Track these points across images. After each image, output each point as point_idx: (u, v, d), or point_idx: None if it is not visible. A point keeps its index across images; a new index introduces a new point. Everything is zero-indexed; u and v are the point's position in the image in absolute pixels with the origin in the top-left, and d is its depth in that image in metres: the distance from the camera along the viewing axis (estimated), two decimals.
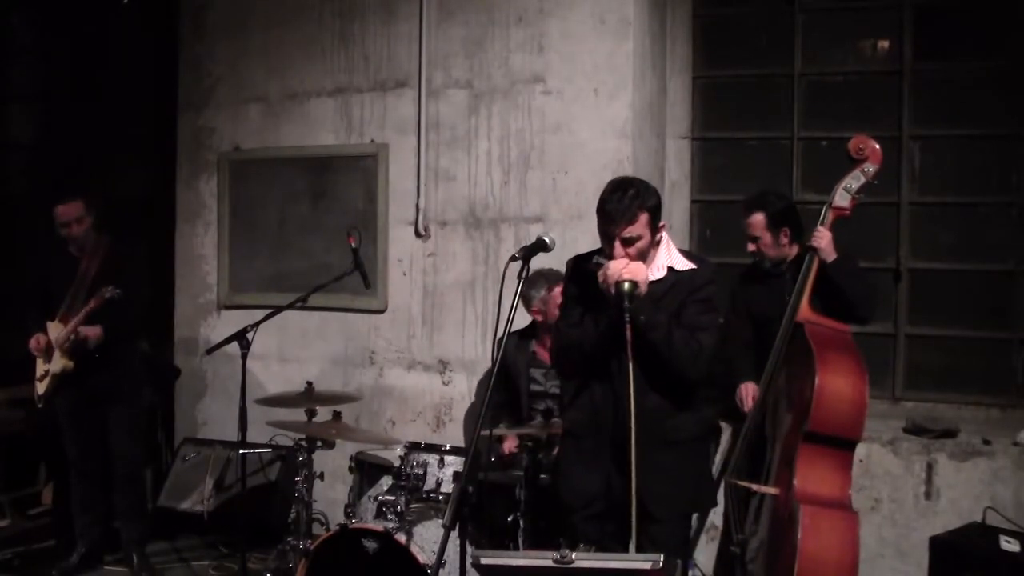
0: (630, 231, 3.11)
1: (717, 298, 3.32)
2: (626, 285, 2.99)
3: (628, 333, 2.97)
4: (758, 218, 4.15)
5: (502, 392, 4.56)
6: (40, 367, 4.70)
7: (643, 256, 3.16)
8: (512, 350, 4.52)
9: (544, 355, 4.47)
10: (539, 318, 4.46)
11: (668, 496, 3.18)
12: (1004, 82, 4.74)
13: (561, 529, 3.35)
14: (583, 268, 3.31)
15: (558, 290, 4.24)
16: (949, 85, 4.84)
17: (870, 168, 3.90)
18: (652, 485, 3.03)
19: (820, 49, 5.04)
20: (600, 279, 3.07)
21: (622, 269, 3.03)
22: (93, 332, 4.56)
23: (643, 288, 3.04)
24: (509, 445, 4.38)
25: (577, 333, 3.24)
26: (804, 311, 3.91)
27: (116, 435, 4.78)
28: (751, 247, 4.20)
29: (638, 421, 2.93)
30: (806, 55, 5.04)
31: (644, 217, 3.13)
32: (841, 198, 3.94)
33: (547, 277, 4.36)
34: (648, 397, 3.10)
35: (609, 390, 3.21)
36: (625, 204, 3.10)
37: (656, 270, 3.20)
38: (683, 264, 3.26)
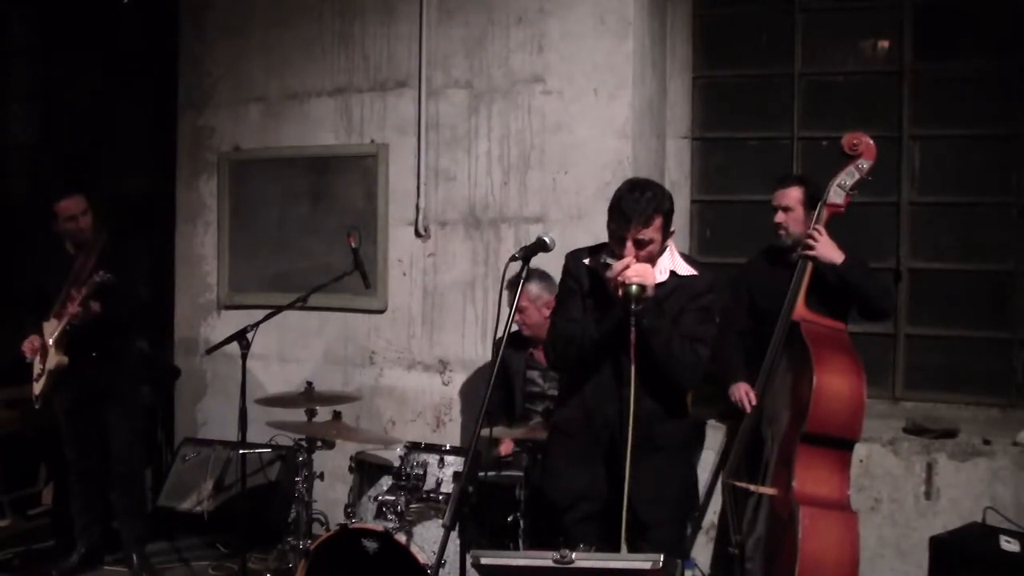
0: (644, 233, 3.07)
1: (716, 308, 3.30)
2: (634, 288, 2.96)
3: (632, 336, 2.95)
4: (795, 192, 4.09)
5: (500, 392, 4.55)
6: (37, 366, 4.69)
7: (651, 260, 3.13)
8: (510, 350, 4.52)
9: (540, 356, 4.46)
10: (521, 317, 4.42)
11: (657, 501, 3.17)
12: (1004, 82, 4.74)
13: (553, 529, 3.34)
14: (586, 265, 3.28)
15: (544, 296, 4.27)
16: (949, 85, 4.84)
17: (864, 164, 3.89)
18: (641, 490, 3.02)
19: (820, 49, 5.04)
20: (607, 279, 3.05)
21: (630, 271, 3.00)
22: (95, 305, 4.51)
23: (650, 292, 3.02)
24: (506, 448, 4.38)
25: (576, 329, 3.21)
26: (800, 310, 3.90)
27: (114, 434, 4.78)
28: (780, 217, 4.09)
29: (635, 425, 2.92)
30: (806, 55, 5.04)
31: (659, 221, 3.10)
32: (835, 195, 3.93)
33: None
34: (642, 401, 3.06)
35: (602, 390, 3.19)
36: (642, 205, 3.06)
37: (659, 273, 3.18)
38: (685, 269, 3.24)
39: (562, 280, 3.43)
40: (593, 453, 3.20)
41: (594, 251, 3.29)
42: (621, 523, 2.90)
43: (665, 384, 3.16)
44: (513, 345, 4.52)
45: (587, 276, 3.26)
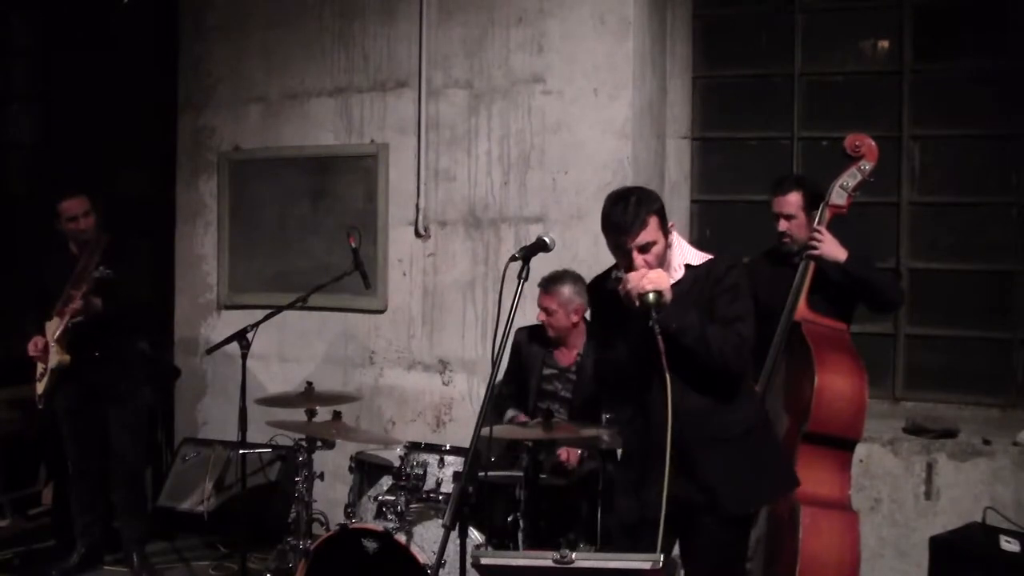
0: (643, 238, 3.02)
1: (744, 282, 3.19)
2: (651, 296, 2.89)
3: (660, 344, 2.92)
4: (795, 197, 4.04)
5: (512, 384, 4.55)
6: (40, 366, 4.70)
7: (661, 261, 3.09)
8: (526, 344, 4.50)
9: (558, 357, 4.44)
10: (548, 319, 4.39)
11: (732, 494, 3.09)
12: (1004, 82, 4.74)
13: (631, 538, 3.25)
14: (602, 288, 3.23)
15: (576, 300, 4.25)
16: (949, 85, 4.84)
17: (866, 165, 3.89)
18: (716, 485, 3.00)
19: (820, 49, 5.05)
20: (622, 294, 2.98)
21: (643, 280, 2.93)
22: (97, 300, 4.50)
23: (667, 296, 2.95)
24: (571, 456, 4.20)
25: (612, 355, 3.18)
26: (802, 310, 3.90)
27: (116, 434, 4.78)
28: (783, 225, 4.06)
29: (679, 426, 2.84)
30: (806, 55, 5.04)
31: (653, 221, 3.05)
32: (838, 196, 3.93)
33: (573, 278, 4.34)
34: (692, 399, 3.01)
35: (651, 401, 3.09)
36: (631, 212, 3.02)
37: (674, 271, 3.13)
38: (698, 258, 3.20)
39: (590, 313, 3.43)
40: (652, 468, 3.12)
41: (606, 275, 3.25)
42: (670, 524, 2.82)
43: (712, 377, 3.10)
44: (537, 341, 4.49)
45: (605, 300, 3.22)
